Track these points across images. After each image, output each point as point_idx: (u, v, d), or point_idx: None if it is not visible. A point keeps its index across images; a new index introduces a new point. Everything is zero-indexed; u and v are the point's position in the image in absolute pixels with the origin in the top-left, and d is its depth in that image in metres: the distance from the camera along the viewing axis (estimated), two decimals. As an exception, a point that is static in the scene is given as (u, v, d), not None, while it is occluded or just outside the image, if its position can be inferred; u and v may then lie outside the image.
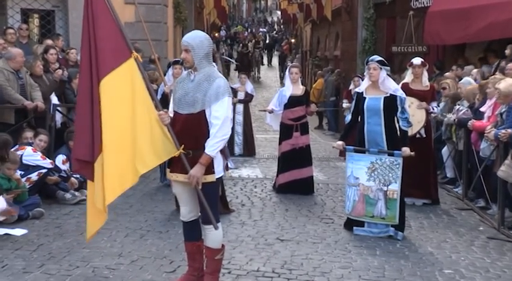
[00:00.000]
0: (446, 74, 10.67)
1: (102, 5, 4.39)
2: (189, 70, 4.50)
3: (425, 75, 8.24)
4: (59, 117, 8.93)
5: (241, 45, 33.66)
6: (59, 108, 8.91)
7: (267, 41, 41.12)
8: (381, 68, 6.44)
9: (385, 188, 6.43)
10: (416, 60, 8.16)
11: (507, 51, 9.52)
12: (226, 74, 27.75)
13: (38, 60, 8.80)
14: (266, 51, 38.77)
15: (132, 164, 4.38)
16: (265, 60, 37.88)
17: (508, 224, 6.87)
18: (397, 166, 6.38)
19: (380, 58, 6.58)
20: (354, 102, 6.73)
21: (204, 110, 4.37)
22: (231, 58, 32.13)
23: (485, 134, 7.19)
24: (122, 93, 4.37)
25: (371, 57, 6.63)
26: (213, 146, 4.32)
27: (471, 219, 7.48)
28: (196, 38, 4.47)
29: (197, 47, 4.42)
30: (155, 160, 4.53)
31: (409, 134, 6.85)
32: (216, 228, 4.47)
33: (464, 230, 6.95)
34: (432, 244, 6.34)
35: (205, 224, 4.52)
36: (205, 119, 4.37)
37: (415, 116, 7.62)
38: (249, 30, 47.26)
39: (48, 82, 8.77)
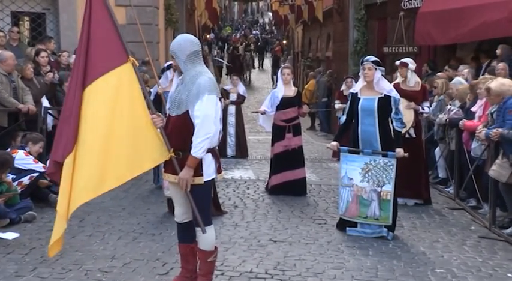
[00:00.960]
0: (439, 74, 10.71)
1: (102, 8, 4.39)
2: (182, 74, 4.52)
3: (409, 75, 8.22)
4: (50, 120, 8.90)
5: (231, 48, 33.22)
6: (50, 111, 8.88)
7: (259, 44, 40.30)
8: (375, 69, 6.45)
9: (378, 189, 6.44)
10: (397, 62, 8.24)
11: (498, 51, 9.57)
12: (219, 77, 27.58)
13: (29, 63, 8.77)
14: (257, 54, 37.96)
15: (114, 168, 4.33)
16: (256, 64, 37.14)
17: (499, 223, 6.90)
18: (391, 167, 6.40)
19: (375, 58, 6.59)
20: (348, 103, 6.73)
21: (188, 111, 4.36)
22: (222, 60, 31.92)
23: (476, 134, 7.22)
24: (116, 96, 4.36)
25: (366, 58, 6.62)
26: (197, 147, 4.29)
27: (463, 218, 7.51)
28: (176, 43, 4.48)
29: (178, 51, 4.43)
30: (149, 163, 4.54)
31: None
32: (203, 232, 4.43)
33: (456, 229, 6.98)
34: (424, 244, 6.37)
35: (197, 227, 4.52)
36: (190, 120, 4.36)
37: (403, 116, 7.64)
38: (241, 32, 46.87)
39: (39, 85, 8.75)
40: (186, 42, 4.47)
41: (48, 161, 7.78)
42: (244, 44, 33.43)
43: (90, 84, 4.34)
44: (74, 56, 9.29)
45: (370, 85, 6.51)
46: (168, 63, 8.13)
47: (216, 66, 27.88)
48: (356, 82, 10.03)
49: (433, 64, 12.45)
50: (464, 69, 10.00)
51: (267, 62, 37.62)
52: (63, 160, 4.34)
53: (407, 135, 7.91)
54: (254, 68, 35.14)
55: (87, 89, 4.35)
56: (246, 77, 30.66)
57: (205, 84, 4.34)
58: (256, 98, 24.83)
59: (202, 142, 4.29)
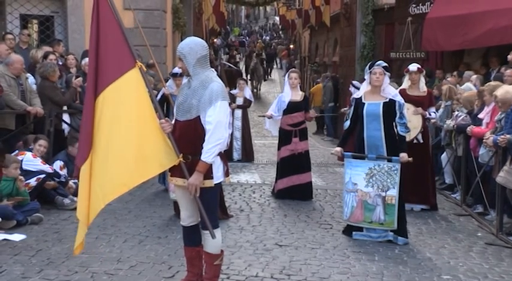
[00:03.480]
0: (449, 79, 10.69)
1: (109, 13, 4.41)
2: (189, 77, 4.51)
3: (422, 80, 8.27)
4: (66, 126, 8.91)
5: (228, 55, 31.37)
6: (64, 114, 8.89)
7: (267, 50, 37.77)
8: (385, 74, 6.46)
9: (383, 194, 6.44)
10: (413, 67, 8.20)
11: (510, 57, 9.52)
12: (226, 81, 27.14)
13: (56, 67, 8.81)
14: (266, 63, 34.63)
15: (124, 173, 4.34)
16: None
17: (506, 230, 6.88)
18: (395, 171, 6.39)
19: (385, 64, 6.60)
20: (352, 108, 6.74)
21: (199, 116, 4.37)
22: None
23: (484, 140, 7.20)
24: (125, 102, 4.38)
25: (377, 62, 6.60)
26: (208, 152, 4.30)
27: (469, 225, 7.49)
28: (186, 46, 4.45)
29: (188, 54, 4.41)
30: (158, 168, 4.55)
31: (407, 140, 6.84)
32: (213, 237, 4.45)
33: (463, 236, 6.96)
34: (431, 250, 6.35)
35: (204, 230, 4.52)
36: (201, 125, 4.36)
37: (411, 121, 7.62)
38: (245, 38, 46.27)
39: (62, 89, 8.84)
40: (196, 45, 4.45)
41: (54, 163, 7.89)
42: (255, 52, 31.56)
43: (102, 92, 4.36)
44: (86, 59, 9.36)
45: (375, 90, 6.50)
46: (176, 70, 8.08)
47: (223, 69, 27.60)
48: (355, 88, 10.07)
49: (429, 71, 12.44)
50: (473, 76, 9.99)
51: (276, 73, 35.88)
52: (80, 166, 4.38)
53: (415, 141, 7.91)
54: (265, 79, 32.15)
55: (100, 97, 4.37)
56: (256, 89, 28.06)
57: (217, 90, 4.34)
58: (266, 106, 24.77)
59: (213, 147, 4.30)
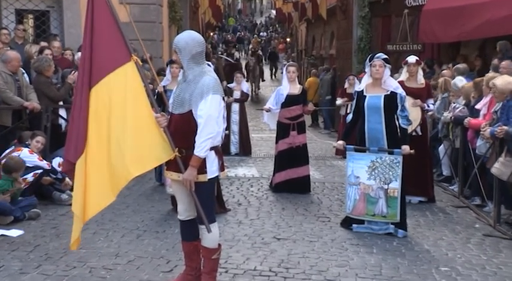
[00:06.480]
0: (444, 71, 10.68)
1: (104, 7, 4.39)
2: (184, 71, 4.51)
3: (420, 73, 8.27)
4: (62, 121, 8.89)
5: (226, 53, 29.91)
6: (61, 109, 8.86)
7: (269, 50, 35.64)
8: (385, 66, 6.45)
9: (385, 187, 6.44)
10: (411, 59, 8.18)
11: (498, 48, 9.54)
12: (223, 75, 26.73)
13: (51, 62, 8.78)
14: (269, 62, 33.06)
15: (120, 168, 4.33)
16: (267, 73, 31.49)
17: (504, 221, 6.88)
18: (397, 164, 6.39)
19: (385, 56, 6.58)
20: (354, 101, 6.73)
21: (191, 110, 4.36)
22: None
23: (481, 132, 7.20)
24: (120, 96, 4.36)
25: (377, 55, 6.60)
26: (200, 146, 4.29)
27: (467, 217, 7.50)
28: (181, 40, 4.43)
29: (183, 49, 4.40)
30: (153, 162, 4.56)
31: (407, 132, 6.83)
32: (208, 231, 4.43)
33: (461, 227, 6.97)
34: (428, 242, 6.36)
35: (201, 224, 4.51)
36: (193, 118, 4.36)
37: (410, 114, 7.63)
38: (241, 34, 45.89)
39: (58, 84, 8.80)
40: (193, 41, 4.43)
41: (53, 160, 7.87)
42: (251, 51, 30.03)
43: (96, 84, 4.35)
44: (79, 53, 9.32)
45: (376, 82, 6.49)
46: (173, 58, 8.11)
47: (221, 64, 27.39)
48: (358, 80, 10.06)
49: (431, 62, 12.42)
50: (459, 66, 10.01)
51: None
52: (75, 161, 4.36)
53: (414, 133, 7.90)
54: (264, 79, 29.06)
55: (94, 89, 4.36)
56: (253, 89, 25.69)
57: (209, 83, 4.33)
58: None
59: (204, 141, 4.29)
